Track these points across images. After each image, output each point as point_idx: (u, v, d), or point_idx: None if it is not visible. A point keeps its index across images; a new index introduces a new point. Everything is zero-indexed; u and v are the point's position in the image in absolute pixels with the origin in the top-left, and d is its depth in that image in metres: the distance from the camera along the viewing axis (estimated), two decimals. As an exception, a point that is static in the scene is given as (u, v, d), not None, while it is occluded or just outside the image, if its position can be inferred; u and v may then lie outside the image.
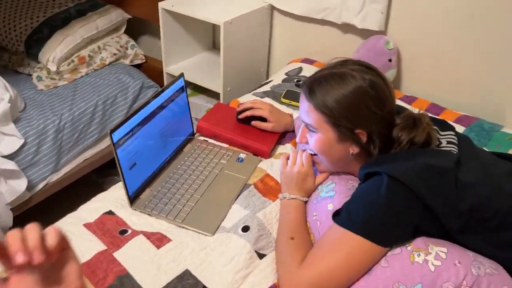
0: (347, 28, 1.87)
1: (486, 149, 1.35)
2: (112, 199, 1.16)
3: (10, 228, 1.68)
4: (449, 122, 1.11)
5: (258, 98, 1.63)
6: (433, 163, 0.92)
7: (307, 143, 1.09)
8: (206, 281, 0.96)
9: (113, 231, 1.06)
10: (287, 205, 1.10)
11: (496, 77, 1.63)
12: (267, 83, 1.78)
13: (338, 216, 0.95)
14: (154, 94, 1.18)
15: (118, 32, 2.34)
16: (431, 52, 1.72)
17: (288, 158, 1.18)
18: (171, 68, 2.12)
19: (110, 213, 1.11)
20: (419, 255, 0.90)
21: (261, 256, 1.04)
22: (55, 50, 2.03)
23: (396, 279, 0.88)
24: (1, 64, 2.20)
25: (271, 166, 1.29)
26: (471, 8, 1.57)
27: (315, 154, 1.12)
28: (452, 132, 1.05)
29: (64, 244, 0.57)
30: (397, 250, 0.92)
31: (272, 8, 2.04)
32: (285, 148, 1.38)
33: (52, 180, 1.86)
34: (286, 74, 1.82)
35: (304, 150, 1.16)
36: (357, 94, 0.98)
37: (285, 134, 1.43)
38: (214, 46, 2.34)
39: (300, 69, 1.85)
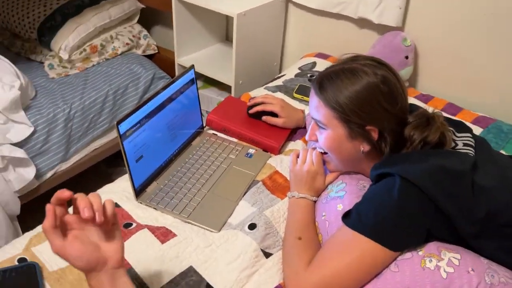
0: (363, 23, 1.83)
1: (504, 152, 1.31)
2: (118, 191, 1.14)
3: (18, 216, 1.68)
4: (466, 123, 1.07)
5: (270, 93, 1.60)
6: (448, 165, 0.89)
7: (316, 140, 1.07)
8: (210, 279, 0.94)
9: (117, 224, 1.04)
10: (296, 204, 1.08)
11: (517, 77, 1.58)
12: (279, 77, 1.75)
13: (348, 217, 0.92)
14: (163, 86, 1.16)
15: (131, 21, 2.32)
16: (449, 50, 1.67)
17: (298, 156, 1.16)
18: (183, 59, 2.10)
19: (115, 205, 1.09)
20: (430, 260, 0.87)
21: (267, 255, 1.02)
22: (67, 38, 2.01)
23: (405, 284, 0.85)
24: (14, 51, 2.19)
25: (281, 163, 1.26)
26: (491, 6, 1.52)
27: (325, 153, 1.09)
28: (469, 134, 1.02)
29: (115, 219, 0.70)
30: (408, 255, 0.89)
31: (287, 1, 2.01)
32: (296, 145, 1.35)
33: (61, 169, 1.86)
34: (299, 68, 1.79)
35: (314, 148, 1.13)
36: (369, 89, 0.95)
37: (296, 130, 1.40)
38: (227, 38, 2.31)
39: (314, 63, 1.82)
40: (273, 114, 1.36)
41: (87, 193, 1.17)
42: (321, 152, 1.11)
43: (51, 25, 2.05)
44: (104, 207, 0.69)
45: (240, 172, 1.22)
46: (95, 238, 0.70)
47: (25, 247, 0.97)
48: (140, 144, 1.09)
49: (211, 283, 0.94)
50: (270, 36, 2.03)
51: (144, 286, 0.92)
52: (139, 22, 2.35)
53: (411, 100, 1.58)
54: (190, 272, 0.95)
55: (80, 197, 0.66)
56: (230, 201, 1.13)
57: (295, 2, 1.97)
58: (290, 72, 1.77)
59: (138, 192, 1.12)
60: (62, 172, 1.86)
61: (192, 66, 1.27)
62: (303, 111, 1.40)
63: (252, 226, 1.05)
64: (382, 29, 1.77)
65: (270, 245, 1.03)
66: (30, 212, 1.71)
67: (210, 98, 2.09)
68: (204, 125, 1.40)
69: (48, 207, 0.66)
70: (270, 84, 1.68)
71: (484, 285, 0.82)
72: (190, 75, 1.26)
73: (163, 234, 1.02)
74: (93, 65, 2.12)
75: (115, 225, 0.71)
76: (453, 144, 0.99)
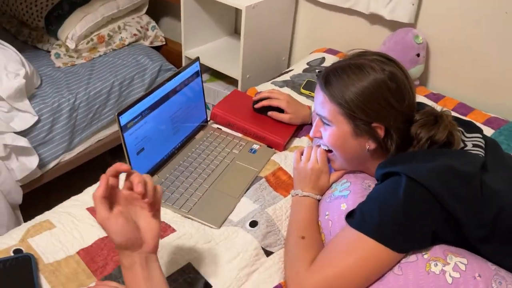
0: (374, 19, 1.79)
1: (516, 155, 1.27)
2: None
3: (20, 206, 1.68)
4: (476, 123, 1.04)
5: (277, 88, 1.57)
6: (456, 165, 0.86)
7: (321, 137, 1.04)
8: (209, 277, 0.92)
9: (116, 217, 1.02)
10: (299, 202, 1.06)
11: (531, 78, 1.54)
12: (287, 72, 1.72)
13: (351, 217, 0.90)
14: (167, 78, 1.13)
15: (139, 12, 2.30)
16: (462, 48, 1.63)
17: (302, 154, 1.13)
18: (190, 51, 2.07)
19: (114, 198, 1.08)
20: (436, 264, 0.84)
21: (268, 253, 0.99)
22: (74, 28, 2.00)
23: (409, 289, 0.83)
24: (21, 40, 2.18)
25: (285, 160, 1.23)
26: (509, 4, 1.48)
27: (330, 151, 1.06)
28: (479, 135, 0.99)
29: (159, 205, 0.73)
30: (413, 258, 0.86)
31: (298, -6, 1.97)
32: (301, 142, 1.32)
33: (65, 159, 1.84)
34: (308, 64, 1.76)
35: (319, 146, 1.10)
36: (376, 86, 0.93)
37: (302, 127, 1.37)
38: (236, 31, 2.28)
39: (323, 59, 1.78)
40: (279, 110, 1.33)
41: (90, 184, 1.18)
42: (326, 150, 1.08)
43: (58, 14, 2.03)
44: (154, 188, 0.72)
45: (243, 168, 1.20)
46: (137, 219, 0.72)
47: (22, 237, 0.96)
48: (142, 137, 1.07)
49: (209, 281, 0.92)
50: (279, 30, 2.00)
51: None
52: (147, 13, 2.32)
53: (421, 99, 1.55)
54: (189, 269, 0.93)
55: (136, 173, 0.70)
56: (232, 197, 1.11)
57: (305, -4, 1.94)
58: (298, 67, 1.74)
59: (139, 185, 1.09)
60: (65, 162, 1.85)
61: (197, 59, 1.25)
62: (309, 107, 1.37)
63: (253, 224, 1.03)
64: (393, 25, 1.73)
65: (271, 243, 1.01)
66: (32, 201, 1.71)
67: (217, 92, 2.07)
68: (209, 118, 1.38)
69: (103, 176, 0.68)
70: (278, 79, 1.65)
71: (491, 291, 0.80)
72: (195, 67, 1.24)
73: (162, 229, 1.00)
74: (100, 55, 2.10)
75: (158, 211, 0.73)
76: (462, 145, 0.96)
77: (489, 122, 1.46)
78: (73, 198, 1.10)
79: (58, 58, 2.02)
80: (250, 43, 1.84)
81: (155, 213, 0.73)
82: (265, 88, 1.55)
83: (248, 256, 0.96)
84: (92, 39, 2.07)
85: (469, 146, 0.96)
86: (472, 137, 0.98)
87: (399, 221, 0.84)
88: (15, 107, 1.66)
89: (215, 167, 1.19)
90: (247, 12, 1.75)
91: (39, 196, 1.79)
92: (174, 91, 1.17)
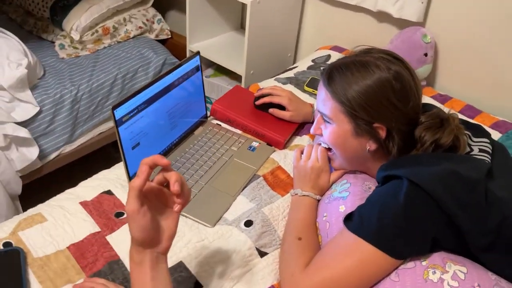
0: (382, 16, 1.75)
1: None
2: (113, 178, 1.10)
3: (19, 196, 1.67)
4: (484, 127, 1.01)
5: (280, 84, 1.54)
6: (461, 170, 0.83)
7: (321, 134, 1.01)
8: (200, 276, 0.90)
9: (109, 212, 1.01)
10: (298, 202, 1.03)
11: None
12: (291, 69, 1.69)
13: (349, 220, 0.87)
14: (165, 72, 1.11)
15: (145, 5, 2.28)
16: (471, 49, 1.59)
17: (302, 152, 1.11)
18: (195, 45, 2.05)
19: (108, 192, 1.06)
20: (434, 272, 0.81)
21: (262, 254, 0.97)
22: (79, 19, 1.98)
23: (405, 296, 0.80)
24: (26, 29, 2.17)
25: (285, 158, 1.21)
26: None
27: (330, 149, 1.04)
28: (486, 140, 0.95)
29: (181, 209, 0.71)
30: (411, 264, 0.83)
31: (305, -10, 1.94)
32: (302, 140, 1.30)
33: (65, 151, 1.83)
34: (313, 61, 1.73)
35: (320, 145, 1.08)
36: (380, 85, 0.90)
37: (304, 125, 1.35)
38: (242, 27, 2.25)
39: (328, 56, 1.75)
40: (281, 107, 1.31)
41: (91, 176, 1.16)
42: (326, 148, 1.06)
43: (63, 4, 2.02)
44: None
45: (241, 166, 1.17)
46: (160, 217, 0.71)
47: (13, 230, 0.94)
48: (137, 131, 1.05)
49: (200, 281, 0.90)
50: (285, 26, 1.96)
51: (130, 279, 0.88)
52: (153, 6, 2.30)
53: (428, 100, 1.51)
54: (180, 267, 0.91)
55: (174, 172, 0.68)
56: (228, 195, 1.08)
57: (313, -8, 1.91)
58: (302, 64, 1.71)
59: (133, 180, 1.08)
60: (66, 154, 1.84)
61: (198, 53, 1.22)
62: (312, 105, 1.35)
63: (248, 223, 1.00)
64: (402, 23, 1.69)
65: (266, 243, 0.99)
66: (32, 192, 1.70)
67: (220, 87, 2.04)
68: (209, 114, 1.36)
69: (145, 168, 0.66)
70: (281, 76, 1.63)
71: (490, 302, 0.77)
72: (195, 61, 1.21)
73: (155, 226, 0.98)
74: (104, 47, 2.09)
75: (179, 213, 0.72)
76: (468, 149, 0.93)
77: (496, 125, 1.42)
78: (67, 191, 1.09)
79: (62, 49, 2.00)
80: (255, 39, 1.81)
81: (177, 215, 0.72)
82: (267, 84, 1.53)
83: (241, 256, 0.94)
84: (97, 31, 2.05)
85: (476, 150, 0.93)
86: (479, 142, 0.95)
87: (399, 225, 0.82)
88: (16, 97, 1.65)
89: (213, 164, 1.17)
90: (252, 6, 1.72)
91: (40, 187, 1.78)
92: (173, 86, 1.15)
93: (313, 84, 1.53)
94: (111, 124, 1.99)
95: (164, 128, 1.15)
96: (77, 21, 1.98)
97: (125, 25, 2.15)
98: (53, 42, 2.05)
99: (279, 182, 1.14)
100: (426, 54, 1.59)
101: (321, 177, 1.06)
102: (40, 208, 1.02)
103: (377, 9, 1.70)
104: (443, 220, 0.81)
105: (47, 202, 1.04)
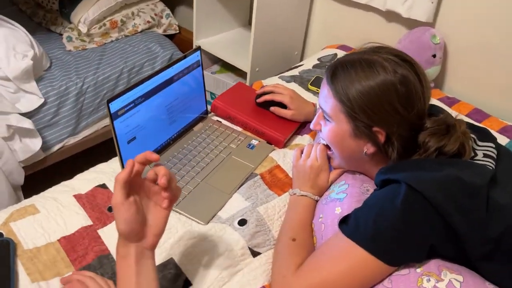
0: (391, 16, 1.72)
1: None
2: (108, 171, 1.10)
3: (22, 187, 1.68)
4: (491, 131, 0.97)
5: (284, 82, 1.52)
6: (464, 176, 0.80)
7: (320, 130, 0.99)
8: (190, 274, 0.89)
9: (102, 206, 1.00)
10: (296, 202, 1.01)
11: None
12: (296, 67, 1.67)
13: (345, 224, 0.85)
14: (164, 66, 1.10)
15: (154, -1, 2.28)
16: (481, 51, 1.55)
17: (302, 152, 1.09)
18: (201, 41, 2.04)
19: (103, 186, 1.05)
20: (428, 280, 0.79)
21: (255, 254, 0.95)
22: (87, 12, 1.99)
23: (397, 303, 0.78)
24: (36, 21, 2.18)
25: (284, 157, 1.19)
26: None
27: (330, 148, 1.01)
28: (491, 144, 0.92)
29: (172, 204, 0.72)
30: (405, 271, 0.81)
31: (314, -12, 1.92)
32: (303, 139, 1.28)
33: (69, 143, 1.84)
34: (319, 59, 1.70)
35: (319, 144, 1.06)
36: (383, 87, 0.86)
37: (305, 124, 1.32)
38: (249, 23, 2.23)
39: (335, 55, 1.72)
40: (283, 105, 1.29)
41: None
42: (324, 145, 1.04)
43: (72, -4, 2.02)
44: (176, 187, 0.72)
45: (239, 163, 1.16)
46: (148, 212, 0.72)
47: (5, 221, 0.94)
48: (134, 125, 1.04)
49: (190, 279, 0.88)
50: (293, 24, 1.94)
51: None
52: (162, 0, 2.30)
53: (435, 102, 1.47)
54: (170, 264, 0.90)
55: (162, 167, 0.69)
56: (224, 193, 1.07)
57: (322, -10, 1.88)
58: (308, 62, 1.69)
59: (129, 175, 1.07)
60: (70, 146, 1.85)
61: (199, 48, 1.21)
62: (314, 105, 1.32)
63: (242, 222, 0.99)
64: (411, 23, 1.65)
65: (259, 243, 0.97)
66: (36, 183, 1.70)
67: (225, 84, 2.03)
68: (209, 110, 1.34)
69: (130, 162, 0.68)
70: (286, 74, 1.60)
71: (485, 313, 0.74)
72: (195, 57, 1.20)
73: (147, 222, 0.97)
74: (112, 41, 2.09)
75: (169, 211, 0.72)
76: (472, 154, 0.89)
77: (504, 130, 1.38)
78: (63, 183, 1.08)
79: (70, 42, 2.01)
80: (261, 36, 1.79)
81: (167, 212, 0.72)
82: (271, 82, 1.51)
83: (233, 255, 0.92)
84: (104, 24, 2.05)
85: (480, 155, 0.89)
86: (484, 146, 0.91)
87: (395, 231, 0.79)
88: (21, 88, 1.66)
89: (210, 160, 1.15)
90: (259, 3, 1.70)
91: (43, 178, 1.78)
92: (172, 80, 1.13)
93: (317, 83, 1.51)
94: (115, 117, 1.98)
95: (162, 123, 1.14)
96: (85, 14, 1.99)
97: (133, 19, 2.15)
98: (61, 35, 2.06)
99: (277, 182, 1.12)
100: (434, 55, 1.56)
101: (320, 176, 1.04)
102: (34, 199, 1.01)
103: (386, 9, 1.67)
104: (441, 227, 0.79)
105: (41, 193, 1.04)
